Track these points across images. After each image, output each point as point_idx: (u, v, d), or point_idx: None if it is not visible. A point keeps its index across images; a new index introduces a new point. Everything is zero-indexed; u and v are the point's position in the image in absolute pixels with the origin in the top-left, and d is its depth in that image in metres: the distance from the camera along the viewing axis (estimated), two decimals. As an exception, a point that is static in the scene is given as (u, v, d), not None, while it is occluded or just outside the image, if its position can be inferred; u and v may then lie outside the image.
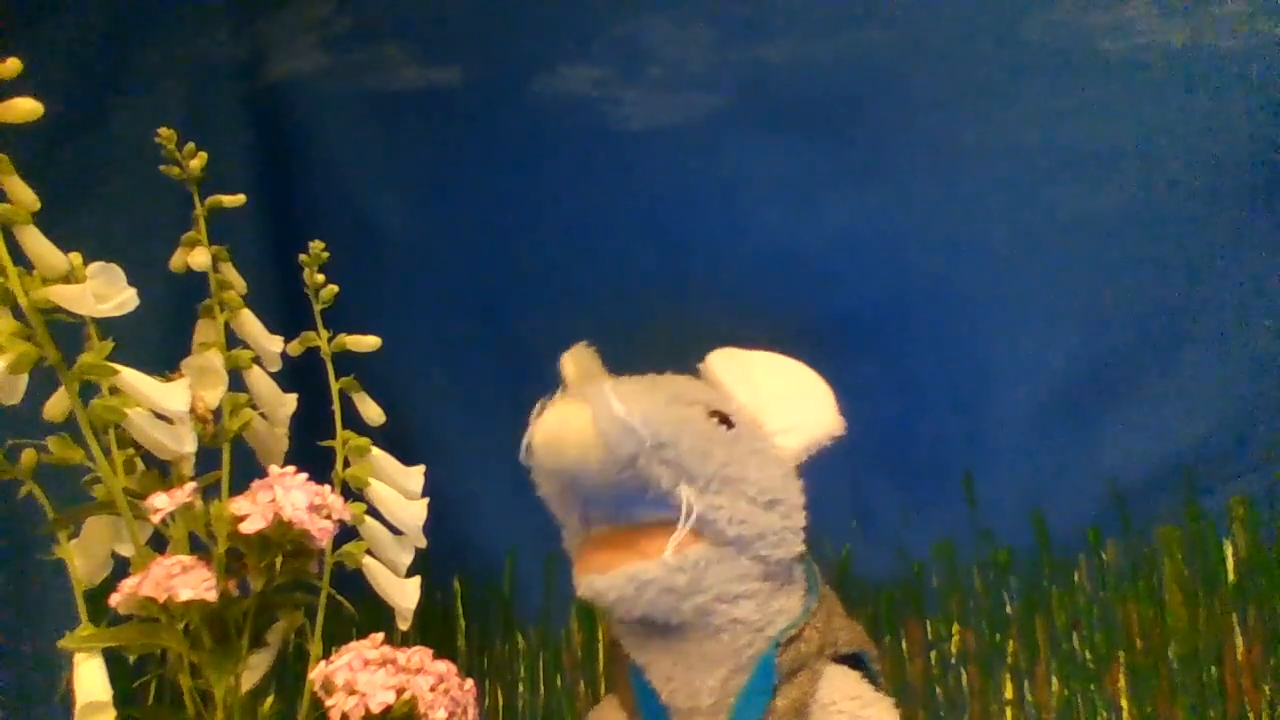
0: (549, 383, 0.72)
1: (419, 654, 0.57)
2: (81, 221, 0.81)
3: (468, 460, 0.93)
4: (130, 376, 0.56)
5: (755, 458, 0.63)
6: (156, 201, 0.71)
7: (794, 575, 0.67)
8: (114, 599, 0.55)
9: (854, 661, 0.66)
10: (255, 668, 0.62)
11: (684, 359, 0.70)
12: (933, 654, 0.88)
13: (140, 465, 0.62)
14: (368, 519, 0.63)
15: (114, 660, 0.57)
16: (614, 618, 0.65)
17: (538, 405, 0.62)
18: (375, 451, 0.65)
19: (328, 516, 0.56)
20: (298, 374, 0.67)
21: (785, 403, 0.67)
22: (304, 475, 0.57)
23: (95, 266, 0.55)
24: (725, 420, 0.63)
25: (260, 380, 0.66)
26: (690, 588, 0.61)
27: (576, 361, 0.71)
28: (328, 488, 0.58)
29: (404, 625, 0.64)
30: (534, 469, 0.64)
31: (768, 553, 0.63)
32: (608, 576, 0.60)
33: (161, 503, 0.55)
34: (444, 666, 0.57)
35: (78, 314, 0.55)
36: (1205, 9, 0.85)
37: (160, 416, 0.57)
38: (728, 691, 0.63)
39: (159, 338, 0.72)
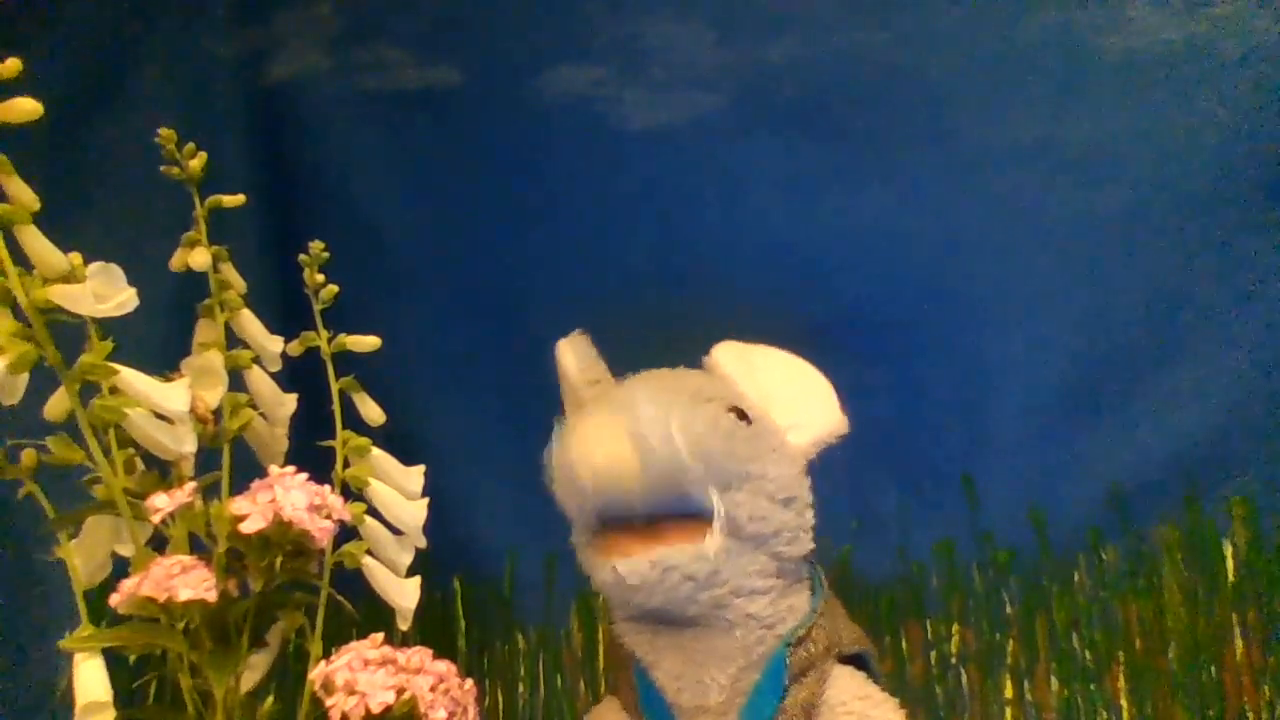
0: (549, 382, 0.72)
1: (419, 654, 0.57)
2: (81, 221, 0.81)
3: (468, 460, 0.93)
4: (130, 376, 0.56)
5: (772, 454, 0.64)
6: (156, 201, 0.71)
7: (802, 574, 0.67)
8: (114, 599, 0.54)
9: (857, 662, 0.66)
10: (255, 668, 0.62)
11: (684, 359, 0.70)
12: (933, 654, 0.88)
13: (140, 465, 0.62)
14: (368, 519, 0.63)
15: (114, 660, 0.57)
16: (628, 608, 0.65)
17: (569, 424, 0.61)
18: (375, 451, 0.65)
19: (328, 516, 0.56)
20: (298, 374, 0.67)
21: (791, 399, 0.67)
22: (304, 475, 0.57)
23: (95, 266, 0.55)
24: (743, 416, 0.64)
25: (260, 380, 0.66)
26: (710, 579, 0.61)
27: (574, 350, 0.71)
28: (328, 488, 0.58)
29: (404, 625, 0.64)
30: (562, 481, 0.63)
31: (782, 549, 0.64)
32: (631, 561, 0.61)
33: (161, 503, 0.55)
34: (444, 666, 0.57)
35: (78, 314, 0.55)
36: (1205, 9, 0.85)
37: (160, 416, 0.57)
38: (737, 690, 0.63)
39: (159, 338, 0.72)
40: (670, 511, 0.61)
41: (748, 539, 0.62)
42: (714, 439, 0.60)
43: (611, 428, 0.59)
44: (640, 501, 0.60)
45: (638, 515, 0.61)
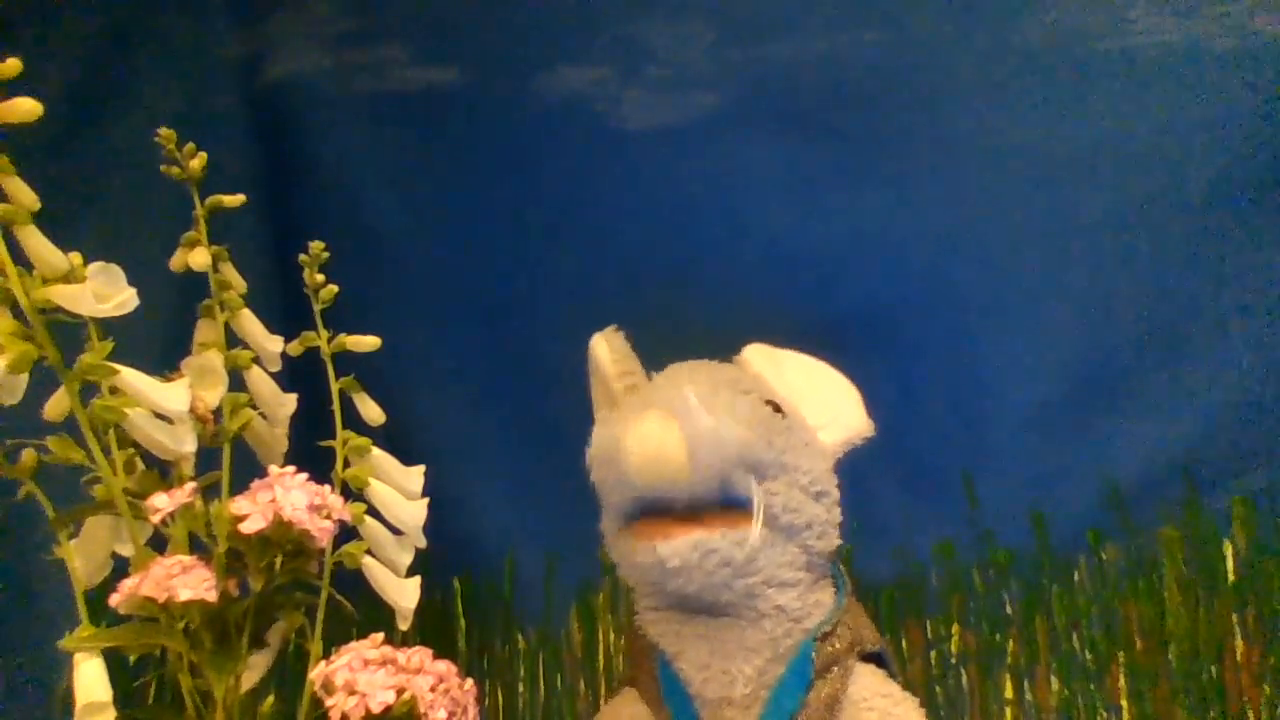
0: (549, 382, 0.72)
1: (419, 654, 0.57)
2: (81, 221, 0.81)
3: (468, 460, 0.93)
4: (130, 376, 0.56)
5: (806, 448, 0.65)
6: (156, 201, 0.70)
7: (828, 571, 0.68)
8: (114, 599, 0.54)
9: (877, 660, 0.67)
10: (255, 668, 0.62)
11: (683, 359, 0.70)
12: (933, 654, 0.88)
13: (140, 465, 0.62)
14: (368, 519, 0.63)
15: (114, 660, 0.57)
16: (662, 595, 0.65)
17: (616, 416, 0.62)
18: (375, 451, 0.65)
19: (328, 516, 0.56)
20: (298, 374, 0.67)
21: (821, 400, 0.68)
22: (304, 475, 0.57)
23: (95, 266, 0.55)
24: (777, 409, 0.65)
25: (260, 380, 0.66)
26: (746, 566, 0.62)
27: (609, 344, 0.71)
28: (328, 488, 0.58)
29: (404, 625, 0.64)
30: (607, 472, 0.64)
31: (812, 543, 0.65)
32: (672, 543, 0.61)
33: (161, 503, 0.55)
34: (444, 666, 0.57)
35: (78, 314, 0.55)
36: (1205, 9, 0.85)
37: (160, 416, 0.57)
38: (763, 683, 0.64)
39: (159, 338, 0.72)
40: (711, 500, 0.62)
41: (780, 529, 0.63)
42: (755, 427, 0.62)
43: (662, 422, 0.60)
44: (687, 492, 0.61)
45: (680, 504, 0.62)
